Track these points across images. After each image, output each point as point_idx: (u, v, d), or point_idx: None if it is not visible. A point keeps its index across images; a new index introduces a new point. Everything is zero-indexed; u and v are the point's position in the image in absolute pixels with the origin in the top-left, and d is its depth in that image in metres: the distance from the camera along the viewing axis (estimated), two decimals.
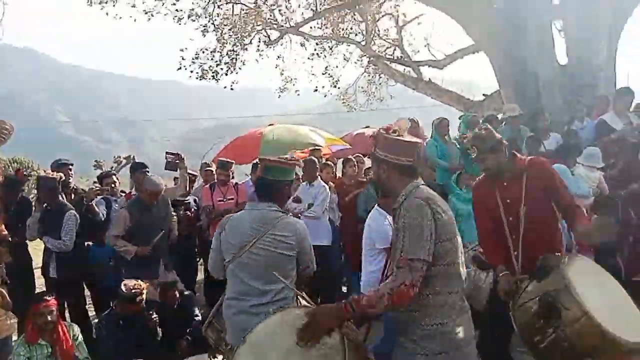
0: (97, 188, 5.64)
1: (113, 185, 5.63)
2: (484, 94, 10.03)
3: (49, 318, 3.70)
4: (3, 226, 4.65)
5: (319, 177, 6.05)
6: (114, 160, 5.93)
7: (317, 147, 7.31)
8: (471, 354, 2.14)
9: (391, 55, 13.40)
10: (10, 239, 4.68)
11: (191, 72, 12.29)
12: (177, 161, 5.33)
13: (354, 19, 13.42)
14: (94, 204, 5.25)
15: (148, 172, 5.41)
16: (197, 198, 6.13)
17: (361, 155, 7.14)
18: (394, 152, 2.14)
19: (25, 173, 5.16)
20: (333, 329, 1.97)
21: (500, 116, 7.12)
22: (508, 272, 2.90)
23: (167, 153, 5.49)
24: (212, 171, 6.40)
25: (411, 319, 2.08)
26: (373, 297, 1.95)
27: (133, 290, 4.11)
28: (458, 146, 6.61)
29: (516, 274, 2.85)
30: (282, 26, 12.72)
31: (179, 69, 12.16)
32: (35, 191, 5.11)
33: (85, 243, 5.28)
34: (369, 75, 14.88)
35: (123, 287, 4.16)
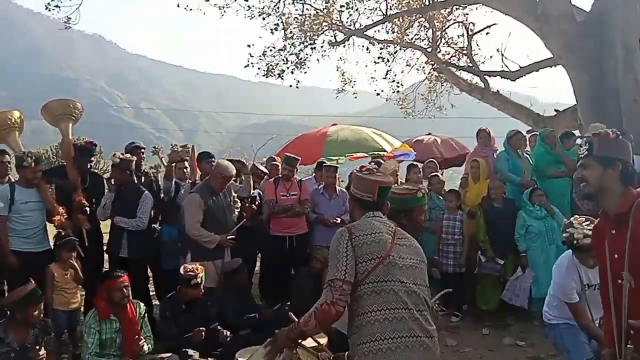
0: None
1: (185, 171, 5.74)
2: (555, 110, 9.63)
3: (125, 292, 3.80)
4: (82, 196, 4.89)
5: None
6: (171, 149, 6.08)
7: (378, 153, 7.22)
8: None
9: (457, 63, 13.11)
10: (88, 208, 4.92)
11: (259, 68, 12.46)
12: (239, 167, 5.42)
13: (421, 24, 13.23)
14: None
15: (214, 161, 5.50)
16: (261, 192, 6.17)
17: (434, 161, 7.03)
18: (359, 188, 2.39)
19: (94, 143, 5.36)
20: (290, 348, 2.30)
21: (577, 133, 6.82)
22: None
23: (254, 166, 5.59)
24: (277, 165, 6.44)
25: (352, 341, 2.21)
26: (305, 317, 2.19)
27: (189, 273, 4.17)
28: (531, 162, 6.37)
29: None
30: (349, 28, 12.68)
31: (246, 66, 12.35)
32: (108, 174, 5.27)
33: (153, 225, 5.43)
34: (430, 83, 14.65)
35: (182, 270, 4.25)
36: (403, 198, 2.57)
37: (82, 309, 4.84)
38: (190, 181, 5.93)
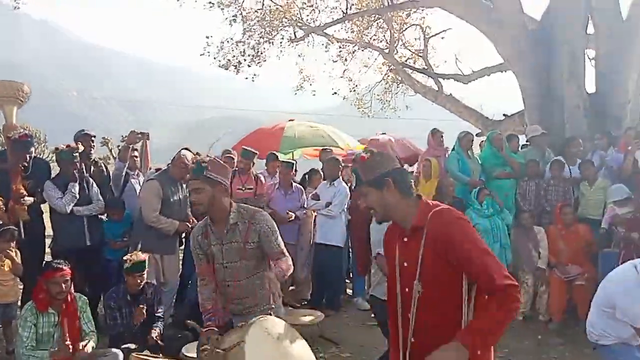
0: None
1: (135, 159, 5.57)
2: (504, 114, 9.98)
3: (63, 287, 3.62)
4: (21, 185, 4.66)
5: (340, 176, 6.02)
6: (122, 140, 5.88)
7: (328, 148, 7.23)
8: None
9: (413, 65, 13.35)
10: (27, 198, 4.69)
11: (214, 58, 12.26)
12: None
13: (380, 26, 13.39)
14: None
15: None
16: None
17: None
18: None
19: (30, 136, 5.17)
20: None
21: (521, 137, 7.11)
22: None
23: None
24: (233, 158, 6.36)
25: None
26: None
27: (129, 260, 4.08)
28: (480, 162, 6.58)
29: None
30: (309, 25, 12.68)
31: (202, 54, 12.11)
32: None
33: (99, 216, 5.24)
34: (386, 84, 14.86)
35: (125, 259, 4.16)
36: None
37: (19, 302, 4.61)
38: (140, 172, 5.77)
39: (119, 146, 7.15)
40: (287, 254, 2.85)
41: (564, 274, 5.45)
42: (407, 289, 1.98)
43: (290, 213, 5.88)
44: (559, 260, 5.57)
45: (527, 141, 7.04)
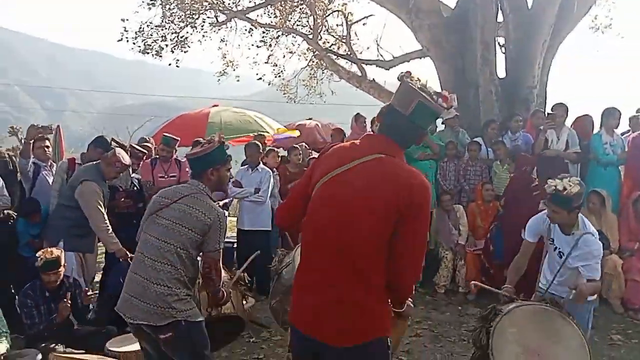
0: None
1: (46, 150, 5.21)
2: None
3: None
4: None
5: (261, 162, 6.00)
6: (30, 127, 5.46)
7: (260, 133, 7.23)
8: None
9: (337, 51, 13.49)
10: None
11: (134, 44, 11.67)
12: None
13: (303, 11, 13.39)
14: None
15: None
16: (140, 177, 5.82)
17: (306, 145, 7.16)
18: None
19: None
20: None
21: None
22: None
23: (113, 140, 5.16)
24: (150, 147, 6.15)
25: None
26: None
27: (43, 257, 3.86)
28: None
29: None
30: (231, 10, 12.41)
31: (119, 40, 11.48)
32: None
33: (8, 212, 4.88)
34: (311, 69, 14.92)
35: (37, 256, 3.92)
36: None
37: None
38: (53, 163, 5.44)
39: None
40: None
41: (473, 247, 5.85)
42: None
43: (220, 200, 5.81)
44: (476, 236, 5.94)
45: (442, 123, 7.39)
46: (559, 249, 3.26)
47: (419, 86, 1.93)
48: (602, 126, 6.15)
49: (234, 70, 14.72)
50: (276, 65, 14.50)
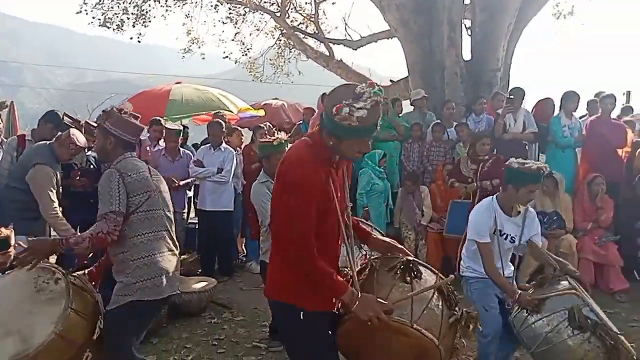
0: None
1: None
2: (390, 80, 10.38)
3: None
4: None
5: (224, 141, 5.89)
6: None
7: (220, 112, 7.05)
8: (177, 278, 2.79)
9: (305, 30, 13.32)
10: None
11: (93, 17, 11.20)
12: (74, 126, 4.77)
13: None
14: None
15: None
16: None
17: (271, 125, 7.06)
18: (122, 129, 2.70)
19: None
20: (47, 257, 2.58)
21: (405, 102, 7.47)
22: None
23: (65, 115, 4.90)
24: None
25: (124, 258, 2.61)
26: (79, 238, 2.52)
27: None
28: None
29: None
30: None
31: (78, 12, 10.99)
32: None
33: None
34: (279, 48, 14.71)
35: None
36: (264, 145, 3.76)
37: None
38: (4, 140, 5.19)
39: None
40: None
41: (437, 227, 5.94)
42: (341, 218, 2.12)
43: (182, 180, 5.69)
44: (438, 215, 6.02)
45: (411, 104, 7.41)
46: (510, 235, 3.25)
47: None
48: (562, 109, 6.28)
49: (199, 47, 14.41)
50: (243, 43, 14.25)
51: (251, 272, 6.03)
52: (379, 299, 1.99)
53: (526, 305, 2.96)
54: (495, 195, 3.35)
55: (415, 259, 2.22)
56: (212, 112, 6.80)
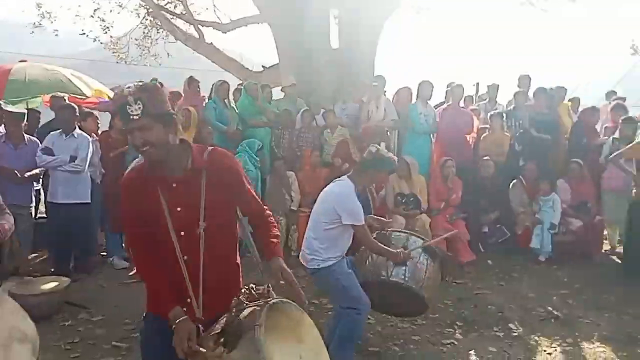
0: None
1: None
2: (263, 66, 10.30)
3: None
4: None
5: (77, 126, 5.38)
6: None
7: (56, 95, 6.41)
8: None
9: (172, 10, 12.63)
10: None
11: None
12: None
13: None
14: None
15: None
16: None
17: None
18: None
19: None
20: None
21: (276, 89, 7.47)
22: (186, 316, 1.92)
23: None
24: None
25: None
26: None
27: None
28: (237, 111, 6.70)
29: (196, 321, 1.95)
30: None
31: None
32: None
33: None
34: (145, 28, 13.82)
35: None
36: None
37: None
38: None
39: None
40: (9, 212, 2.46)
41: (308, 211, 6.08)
42: (182, 233, 1.95)
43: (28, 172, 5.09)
44: (305, 201, 6.14)
45: (281, 90, 7.43)
46: None
47: None
48: (418, 97, 6.74)
49: (52, 23, 13.00)
50: (103, 21, 13.14)
51: (113, 268, 5.65)
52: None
53: (406, 259, 3.37)
54: (348, 178, 3.48)
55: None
56: (70, 96, 6.16)
